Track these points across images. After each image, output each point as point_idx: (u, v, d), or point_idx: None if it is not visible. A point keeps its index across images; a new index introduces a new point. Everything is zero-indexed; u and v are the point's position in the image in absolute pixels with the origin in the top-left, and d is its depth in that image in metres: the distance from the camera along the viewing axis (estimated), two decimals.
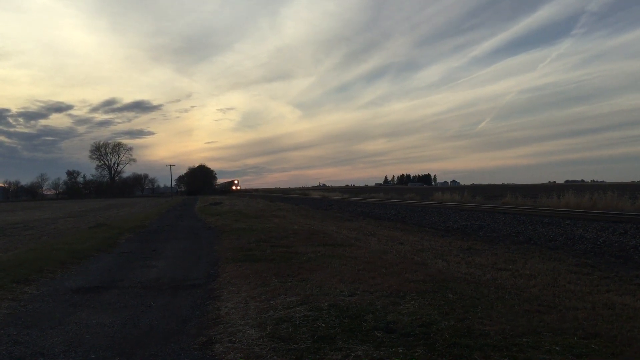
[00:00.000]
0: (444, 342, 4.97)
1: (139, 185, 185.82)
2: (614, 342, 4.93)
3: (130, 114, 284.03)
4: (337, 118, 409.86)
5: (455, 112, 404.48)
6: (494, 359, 4.51)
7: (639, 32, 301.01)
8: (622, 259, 11.42)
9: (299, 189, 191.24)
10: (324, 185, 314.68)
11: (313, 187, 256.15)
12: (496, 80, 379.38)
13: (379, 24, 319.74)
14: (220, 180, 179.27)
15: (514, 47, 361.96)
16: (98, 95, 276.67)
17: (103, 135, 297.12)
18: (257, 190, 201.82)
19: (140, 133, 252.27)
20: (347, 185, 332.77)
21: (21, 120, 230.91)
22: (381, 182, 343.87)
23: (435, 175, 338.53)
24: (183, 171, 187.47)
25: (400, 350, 4.79)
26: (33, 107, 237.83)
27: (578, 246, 13.65)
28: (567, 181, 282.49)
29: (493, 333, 5.22)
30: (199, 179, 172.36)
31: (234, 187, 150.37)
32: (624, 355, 4.57)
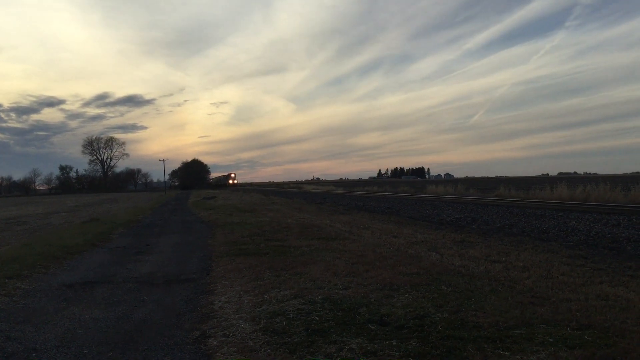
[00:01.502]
0: (437, 334, 4.97)
1: (132, 179, 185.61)
2: (607, 334, 4.95)
3: (123, 109, 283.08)
4: (331, 111, 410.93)
5: (449, 105, 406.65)
6: (487, 351, 4.52)
7: (632, 24, 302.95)
8: (615, 251, 11.46)
9: (293, 182, 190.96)
10: (318, 179, 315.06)
11: (307, 181, 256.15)
12: (490, 72, 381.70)
13: (373, 16, 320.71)
14: (215, 174, 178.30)
15: (508, 39, 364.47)
16: (90, 90, 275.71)
17: (95, 129, 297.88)
18: (251, 184, 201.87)
19: (133, 127, 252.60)
20: (341, 179, 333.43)
21: (13, 115, 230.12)
22: (375, 175, 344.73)
23: (429, 168, 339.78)
24: (176, 165, 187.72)
25: (394, 343, 4.79)
26: (25, 102, 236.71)
27: (571, 238, 13.70)
28: (560, 173, 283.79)
29: (486, 325, 5.23)
30: (193, 173, 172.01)
31: (230, 181, 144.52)
32: (617, 346, 4.59)
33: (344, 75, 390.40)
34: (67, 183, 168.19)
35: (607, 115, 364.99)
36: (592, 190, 29.44)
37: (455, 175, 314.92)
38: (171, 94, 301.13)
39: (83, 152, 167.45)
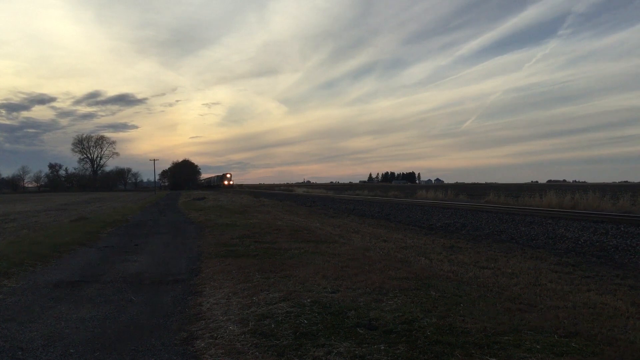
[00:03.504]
0: (425, 340, 4.98)
1: (122, 179, 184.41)
2: (594, 341, 4.98)
3: (114, 107, 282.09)
4: (323, 114, 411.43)
5: (441, 110, 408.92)
6: (475, 357, 4.53)
7: (624, 33, 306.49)
8: (603, 259, 11.55)
9: (284, 185, 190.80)
10: (309, 181, 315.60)
11: (297, 183, 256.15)
12: (482, 79, 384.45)
13: (367, 20, 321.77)
14: (206, 175, 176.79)
15: (501, 46, 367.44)
16: (82, 88, 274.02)
17: (86, 128, 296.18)
18: (241, 185, 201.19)
19: (124, 127, 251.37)
20: (331, 182, 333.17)
21: (3, 111, 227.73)
22: (366, 179, 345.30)
23: (419, 173, 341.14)
24: (167, 166, 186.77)
25: (382, 347, 4.79)
26: (15, 99, 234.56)
27: (559, 245, 13.78)
28: (549, 181, 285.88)
29: (475, 331, 5.24)
30: (183, 173, 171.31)
31: (226, 182, 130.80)
32: (604, 354, 4.61)
33: (336, 79, 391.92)
34: (56, 181, 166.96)
35: (598, 124, 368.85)
36: (580, 199, 29.66)
37: (446, 181, 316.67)
38: (163, 94, 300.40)
39: (73, 150, 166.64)
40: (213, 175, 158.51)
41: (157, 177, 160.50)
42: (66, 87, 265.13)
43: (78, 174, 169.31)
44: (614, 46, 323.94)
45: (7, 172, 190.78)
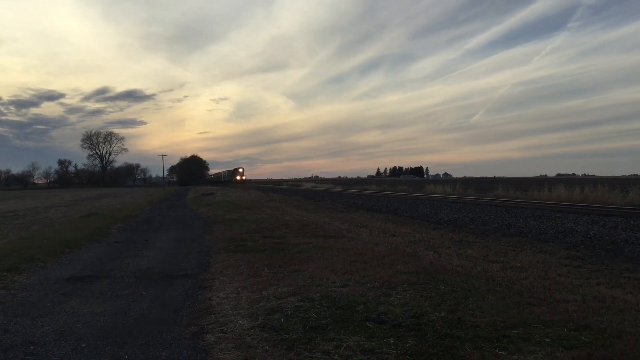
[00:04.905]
0: (435, 333, 4.98)
1: (131, 175, 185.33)
2: (604, 335, 4.96)
3: (123, 103, 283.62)
4: (331, 109, 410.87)
5: (449, 104, 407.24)
6: (484, 350, 4.53)
7: (634, 26, 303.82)
8: (613, 252, 11.49)
9: (292, 180, 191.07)
10: (317, 176, 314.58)
11: (305, 178, 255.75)
12: (491, 73, 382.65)
13: (375, 15, 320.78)
14: (215, 170, 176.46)
15: (509, 39, 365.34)
16: (90, 84, 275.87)
17: (95, 124, 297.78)
18: (249, 181, 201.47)
19: (132, 122, 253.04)
20: (339, 177, 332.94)
21: (12, 108, 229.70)
22: (374, 174, 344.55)
23: (427, 167, 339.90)
24: (175, 161, 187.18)
25: (392, 341, 4.80)
26: (25, 95, 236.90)
27: (569, 239, 13.72)
28: (558, 174, 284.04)
29: (484, 324, 5.24)
30: (191, 169, 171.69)
31: (238, 177, 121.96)
32: (614, 347, 4.60)
33: (344, 73, 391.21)
34: (66, 177, 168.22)
35: (607, 117, 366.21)
36: (590, 192, 29.50)
37: (454, 175, 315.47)
38: (171, 90, 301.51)
39: (82, 146, 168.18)
40: (222, 170, 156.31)
41: (166, 173, 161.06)
42: (75, 84, 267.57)
43: (87, 170, 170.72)
44: (623, 38, 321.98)
45: (16, 168, 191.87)
